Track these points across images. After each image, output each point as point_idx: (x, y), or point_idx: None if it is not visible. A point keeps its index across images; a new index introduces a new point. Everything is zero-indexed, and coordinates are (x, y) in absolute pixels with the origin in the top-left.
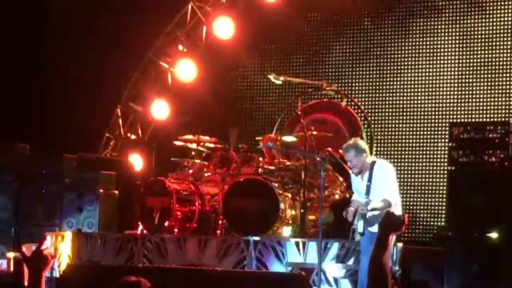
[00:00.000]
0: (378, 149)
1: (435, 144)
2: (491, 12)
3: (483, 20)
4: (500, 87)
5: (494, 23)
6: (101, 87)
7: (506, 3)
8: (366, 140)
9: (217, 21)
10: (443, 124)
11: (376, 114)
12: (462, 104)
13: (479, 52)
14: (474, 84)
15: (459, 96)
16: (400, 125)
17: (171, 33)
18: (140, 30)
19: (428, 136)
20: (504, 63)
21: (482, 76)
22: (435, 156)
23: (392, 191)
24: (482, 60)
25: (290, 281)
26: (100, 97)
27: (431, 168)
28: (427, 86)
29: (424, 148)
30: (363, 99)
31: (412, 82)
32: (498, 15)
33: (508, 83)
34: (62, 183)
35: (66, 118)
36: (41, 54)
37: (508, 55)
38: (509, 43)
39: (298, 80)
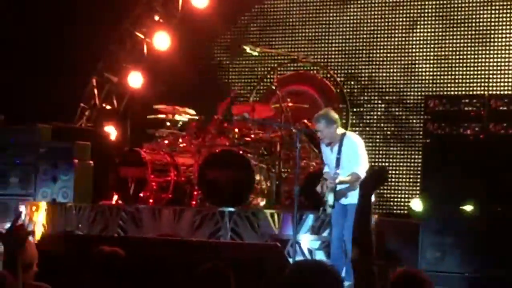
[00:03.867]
0: (354, 121)
1: (411, 116)
2: None
3: None
4: (476, 60)
5: None
6: (76, 57)
7: None
8: (342, 112)
9: None
10: (419, 97)
11: (352, 86)
12: (438, 77)
13: (455, 24)
14: (450, 56)
15: (435, 69)
16: (376, 97)
17: (147, 3)
18: (116, 0)
19: (404, 108)
20: (481, 36)
21: (458, 48)
22: (410, 128)
23: (362, 165)
24: (459, 32)
25: (265, 252)
26: (75, 67)
27: (406, 140)
28: (403, 58)
29: (400, 120)
30: (339, 71)
31: (388, 54)
32: None
33: (484, 56)
34: (37, 153)
35: (41, 88)
36: (16, 25)
37: (485, 28)
38: (484, 16)
39: (274, 52)
